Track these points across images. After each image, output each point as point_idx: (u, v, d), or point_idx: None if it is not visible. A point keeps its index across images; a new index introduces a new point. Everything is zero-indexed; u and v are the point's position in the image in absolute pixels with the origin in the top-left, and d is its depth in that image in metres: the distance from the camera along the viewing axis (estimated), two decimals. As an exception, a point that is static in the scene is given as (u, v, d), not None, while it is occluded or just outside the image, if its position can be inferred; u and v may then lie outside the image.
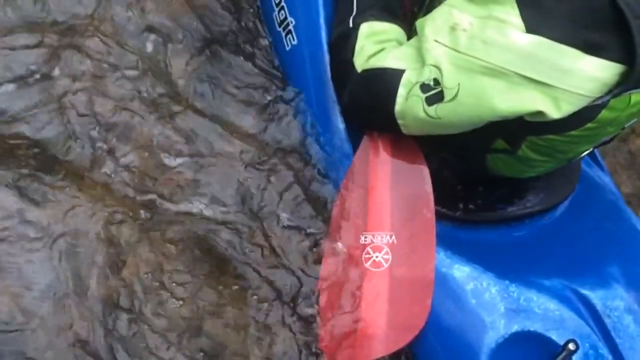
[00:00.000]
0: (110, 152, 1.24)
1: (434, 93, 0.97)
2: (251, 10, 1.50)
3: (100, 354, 1.08)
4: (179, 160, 1.29)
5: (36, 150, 1.19)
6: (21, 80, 1.23)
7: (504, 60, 0.90)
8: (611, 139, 1.11)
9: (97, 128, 1.25)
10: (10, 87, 1.22)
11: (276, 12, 1.37)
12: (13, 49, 1.25)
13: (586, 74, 0.89)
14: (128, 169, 1.24)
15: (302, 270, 1.25)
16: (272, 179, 1.34)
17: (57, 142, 1.21)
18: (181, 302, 1.15)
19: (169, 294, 1.16)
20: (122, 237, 1.17)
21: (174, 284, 1.17)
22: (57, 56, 1.26)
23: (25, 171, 1.16)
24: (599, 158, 1.40)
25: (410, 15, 1.27)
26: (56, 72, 1.26)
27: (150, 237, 1.19)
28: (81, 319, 1.09)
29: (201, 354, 1.13)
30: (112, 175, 1.22)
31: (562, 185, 1.27)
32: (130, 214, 1.20)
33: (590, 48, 0.88)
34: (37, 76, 1.24)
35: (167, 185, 1.25)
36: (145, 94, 1.32)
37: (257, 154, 1.35)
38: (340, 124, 1.22)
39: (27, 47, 1.26)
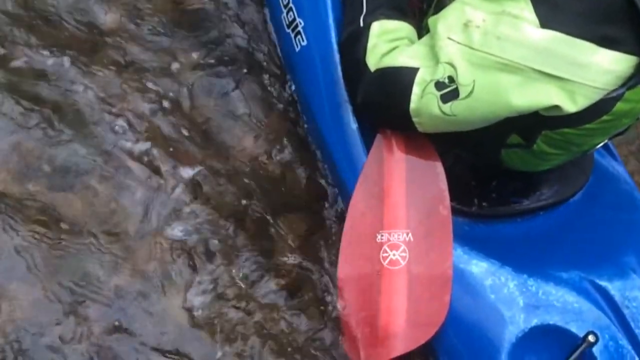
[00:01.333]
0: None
1: (449, 90, 0.97)
2: (257, 13, 1.51)
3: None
4: (188, 159, 1.30)
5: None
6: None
7: (519, 56, 0.91)
8: (625, 130, 1.11)
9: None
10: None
11: (284, 14, 1.37)
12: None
13: (601, 67, 0.89)
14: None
15: (320, 271, 1.26)
16: (284, 179, 1.34)
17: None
18: (198, 301, 1.16)
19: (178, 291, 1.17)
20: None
21: (187, 278, 1.17)
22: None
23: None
24: (612, 148, 1.40)
25: (419, 13, 1.27)
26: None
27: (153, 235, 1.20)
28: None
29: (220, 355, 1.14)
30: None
31: (576, 177, 1.27)
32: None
33: (604, 41, 0.88)
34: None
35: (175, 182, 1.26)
36: (150, 96, 1.33)
37: (267, 154, 1.36)
38: (353, 124, 1.22)
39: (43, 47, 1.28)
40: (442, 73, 0.98)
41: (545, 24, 0.89)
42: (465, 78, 0.95)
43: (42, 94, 1.24)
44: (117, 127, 1.26)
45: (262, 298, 1.20)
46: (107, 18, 1.37)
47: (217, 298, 1.17)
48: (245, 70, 1.45)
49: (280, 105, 1.44)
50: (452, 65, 0.96)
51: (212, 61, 1.44)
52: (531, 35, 0.89)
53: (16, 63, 1.25)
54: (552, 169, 1.23)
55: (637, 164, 1.70)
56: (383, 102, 1.09)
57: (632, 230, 1.22)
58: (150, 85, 1.35)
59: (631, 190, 1.31)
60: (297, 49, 1.34)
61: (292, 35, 1.35)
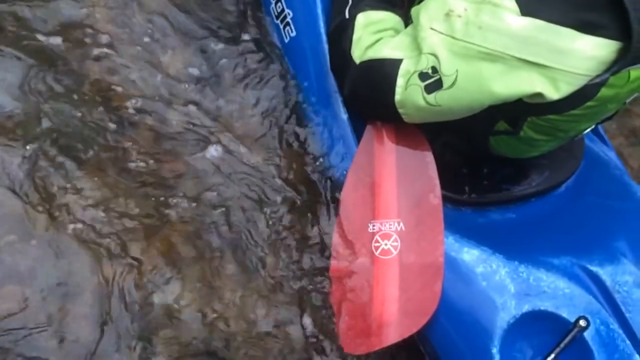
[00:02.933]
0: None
1: (432, 81, 0.98)
2: (251, 4, 1.51)
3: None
4: (185, 150, 1.31)
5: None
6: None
7: (501, 44, 0.90)
8: (612, 115, 1.11)
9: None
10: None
11: (273, 5, 1.37)
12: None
13: (583, 53, 0.89)
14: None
15: (312, 261, 1.26)
16: (276, 170, 1.35)
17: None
18: (188, 292, 1.17)
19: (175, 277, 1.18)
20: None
21: (181, 269, 1.19)
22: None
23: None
24: (603, 133, 1.39)
25: (408, 1, 1.26)
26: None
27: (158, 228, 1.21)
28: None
29: (212, 343, 1.15)
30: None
31: (567, 163, 1.27)
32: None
33: (586, 27, 0.88)
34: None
35: (173, 176, 1.27)
36: (141, 84, 1.34)
37: (260, 145, 1.36)
38: (343, 114, 1.23)
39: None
40: (426, 64, 0.98)
41: (525, 11, 0.89)
42: (448, 68, 0.95)
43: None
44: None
45: (252, 289, 1.21)
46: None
47: (207, 289, 1.18)
48: (239, 60, 1.46)
49: (274, 96, 1.44)
50: (435, 55, 0.96)
51: (206, 47, 1.45)
52: (512, 24, 0.89)
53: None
54: (542, 155, 1.23)
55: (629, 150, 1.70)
56: (369, 94, 1.10)
57: (623, 215, 1.22)
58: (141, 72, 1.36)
59: (622, 176, 1.31)
60: (286, 40, 1.35)
61: (281, 27, 1.35)
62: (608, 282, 1.09)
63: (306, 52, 1.31)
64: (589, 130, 1.14)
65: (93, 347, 1.08)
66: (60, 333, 1.06)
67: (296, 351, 1.19)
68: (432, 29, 0.96)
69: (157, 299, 1.13)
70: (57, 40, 1.32)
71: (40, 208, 1.13)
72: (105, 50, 1.35)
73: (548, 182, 1.25)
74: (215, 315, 1.16)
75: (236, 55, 1.46)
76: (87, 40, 1.35)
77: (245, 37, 1.49)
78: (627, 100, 1.03)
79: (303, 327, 1.20)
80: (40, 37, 1.30)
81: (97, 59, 1.33)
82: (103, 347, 1.08)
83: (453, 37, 0.94)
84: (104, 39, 1.36)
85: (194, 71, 1.41)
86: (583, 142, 1.29)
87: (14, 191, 1.13)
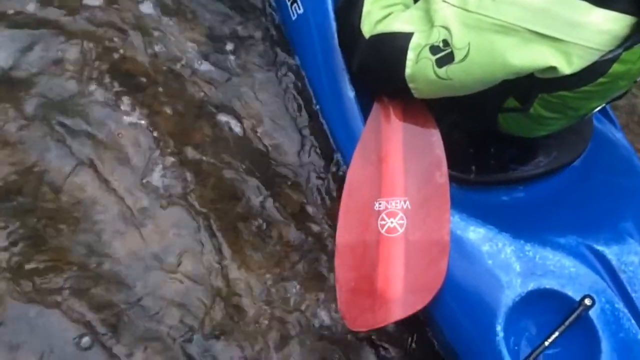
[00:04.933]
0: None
1: (444, 54, 0.97)
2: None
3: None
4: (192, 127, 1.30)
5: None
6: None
7: (515, 17, 0.90)
8: (622, 95, 1.10)
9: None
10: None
11: (280, -19, 1.36)
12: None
13: (596, 27, 0.88)
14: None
15: (317, 239, 1.26)
16: (280, 147, 1.35)
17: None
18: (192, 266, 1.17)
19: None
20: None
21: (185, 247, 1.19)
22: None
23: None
24: (611, 114, 1.39)
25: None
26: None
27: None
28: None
29: (217, 321, 1.15)
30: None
31: (575, 143, 1.26)
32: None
33: (600, 0, 0.87)
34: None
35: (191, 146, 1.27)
36: (148, 64, 1.33)
37: (265, 123, 1.36)
38: (350, 92, 1.22)
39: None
40: (437, 37, 0.97)
41: None
42: (460, 41, 0.94)
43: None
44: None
45: (257, 267, 1.20)
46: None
47: (216, 268, 1.18)
48: (247, 40, 1.45)
49: (281, 75, 1.44)
50: (446, 28, 0.95)
51: (213, 26, 1.45)
52: None
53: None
54: (551, 135, 1.22)
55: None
56: (378, 69, 1.09)
57: (630, 195, 1.22)
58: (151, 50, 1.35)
59: (630, 156, 1.30)
60: (293, 17, 1.34)
61: (289, 4, 1.34)
62: (614, 262, 1.09)
63: (313, 29, 1.30)
64: (598, 108, 1.13)
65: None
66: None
67: (300, 330, 1.19)
68: (444, 1, 0.96)
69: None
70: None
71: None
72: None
73: (555, 162, 1.24)
74: (216, 290, 1.16)
75: (243, 34, 1.46)
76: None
77: (252, 15, 1.49)
78: (639, 79, 1.03)
79: (304, 305, 1.20)
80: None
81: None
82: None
83: (466, 10, 0.93)
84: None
85: (201, 48, 1.41)
86: (592, 123, 1.28)
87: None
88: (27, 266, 1.09)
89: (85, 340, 1.06)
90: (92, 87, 1.27)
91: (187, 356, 1.10)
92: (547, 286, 1.06)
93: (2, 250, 1.08)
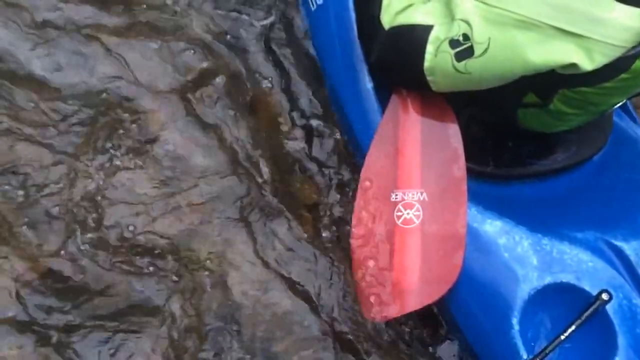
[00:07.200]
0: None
1: (463, 48, 0.96)
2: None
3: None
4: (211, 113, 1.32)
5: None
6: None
7: (536, 12, 0.89)
8: (644, 90, 1.09)
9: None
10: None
11: (300, -27, 1.35)
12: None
13: (619, 23, 0.87)
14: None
15: (333, 229, 1.27)
16: (298, 138, 1.35)
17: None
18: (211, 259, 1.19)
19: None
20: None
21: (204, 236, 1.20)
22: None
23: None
24: (632, 110, 1.37)
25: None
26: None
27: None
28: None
29: (232, 310, 1.17)
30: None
31: (594, 139, 1.25)
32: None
33: None
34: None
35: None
36: (166, 54, 1.34)
37: (283, 115, 1.37)
38: (368, 83, 1.21)
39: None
40: (457, 31, 0.96)
41: None
42: (480, 35, 0.94)
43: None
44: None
45: (275, 258, 1.22)
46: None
47: (233, 257, 1.19)
48: (267, 30, 1.45)
49: (298, 66, 1.44)
50: (467, 22, 0.95)
51: (232, 16, 1.45)
52: None
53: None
54: (570, 130, 1.21)
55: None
56: (397, 60, 1.09)
57: (650, 191, 1.21)
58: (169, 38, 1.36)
59: (649, 152, 1.29)
60: (313, 8, 1.33)
61: (309, -5, 1.34)
62: (632, 257, 1.08)
63: (332, 20, 1.29)
64: (619, 104, 1.12)
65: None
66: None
67: (316, 320, 1.20)
68: None
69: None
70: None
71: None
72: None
73: (574, 157, 1.23)
74: (230, 284, 1.18)
75: (262, 25, 1.46)
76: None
77: (272, 6, 1.49)
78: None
79: (321, 293, 1.21)
80: None
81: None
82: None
83: (487, 4, 0.93)
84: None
85: (221, 37, 1.41)
86: (612, 120, 1.27)
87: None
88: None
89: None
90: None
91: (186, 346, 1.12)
92: (564, 280, 1.06)
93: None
